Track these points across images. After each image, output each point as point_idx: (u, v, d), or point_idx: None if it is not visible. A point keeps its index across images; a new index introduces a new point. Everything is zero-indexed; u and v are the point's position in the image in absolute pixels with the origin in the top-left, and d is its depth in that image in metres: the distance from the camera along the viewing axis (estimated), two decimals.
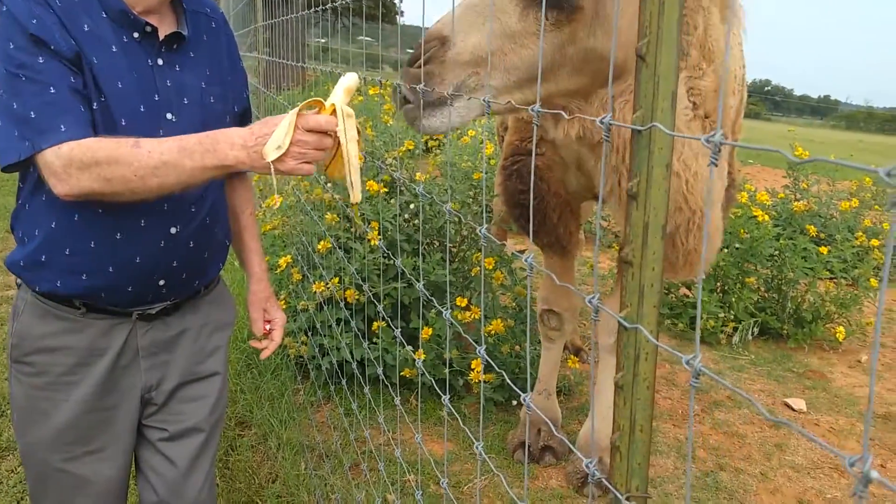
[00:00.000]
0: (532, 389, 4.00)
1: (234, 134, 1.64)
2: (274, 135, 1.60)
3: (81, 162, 1.60)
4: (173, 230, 1.88)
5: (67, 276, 1.82)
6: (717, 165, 0.73)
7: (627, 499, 1.03)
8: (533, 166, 1.38)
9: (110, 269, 1.83)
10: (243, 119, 2.11)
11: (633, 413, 1.03)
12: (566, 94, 2.34)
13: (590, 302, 1.04)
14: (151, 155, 1.60)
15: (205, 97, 1.90)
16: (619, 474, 1.05)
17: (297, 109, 1.62)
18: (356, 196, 1.70)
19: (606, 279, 6.46)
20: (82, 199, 1.66)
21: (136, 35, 1.77)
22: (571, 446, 1.27)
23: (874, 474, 0.63)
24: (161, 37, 1.81)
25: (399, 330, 2.35)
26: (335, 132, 1.63)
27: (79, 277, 1.82)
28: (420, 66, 2.13)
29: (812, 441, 0.68)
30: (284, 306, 4.30)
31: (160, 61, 1.81)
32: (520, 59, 2.18)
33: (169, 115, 1.81)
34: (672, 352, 0.90)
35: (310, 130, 1.63)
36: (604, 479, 1.06)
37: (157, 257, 1.88)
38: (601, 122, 0.96)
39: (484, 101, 1.50)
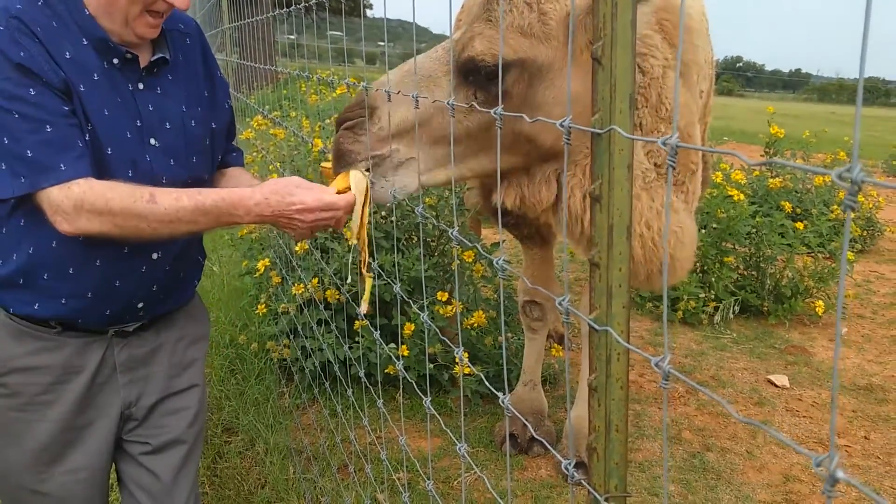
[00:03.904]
0: (509, 387, 4.01)
1: (251, 202, 1.72)
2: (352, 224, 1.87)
3: (94, 207, 1.61)
4: (155, 255, 1.89)
5: (45, 299, 1.81)
6: (674, 167, 0.73)
7: (606, 499, 1.03)
8: (498, 173, 1.37)
9: (89, 294, 1.82)
10: (230, 130, 2.12)
11: (609, 414, 1.03)
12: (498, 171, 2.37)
13: (560, 304, 1.04)
14: (167, 212, 1.65)
15: (186, 121, 1.90)
16: (598, 475, 1.05)
17: (363, 205, 1.88)
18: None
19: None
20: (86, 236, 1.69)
21: (115, 61, 1.76)
22: (551, 448, 1.27)
23: (840, 474, 0.64)
24: (143, 63, 1.81)
25: (379, 331, 2.35)
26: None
27: (58, 301, 1.81)
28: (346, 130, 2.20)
29: (782, 441, 0.68)
30: (265, 310, 4.28)
31: (141, 86, 1.81)
32: (439, 133, 2.19)
33: (152, 141, 1.82)
34: (642, 354, 0.90)
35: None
36: (583, 481, 1.06)
37: (138, 282, 1.89)
38: (561, 126, 0.96)
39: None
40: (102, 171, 1.71)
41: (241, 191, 1.74)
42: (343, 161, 2.14)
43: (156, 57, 1.84)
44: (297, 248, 4.08)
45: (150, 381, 2.03)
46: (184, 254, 2.00)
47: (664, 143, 0.78)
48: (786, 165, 0.61)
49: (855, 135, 0.56)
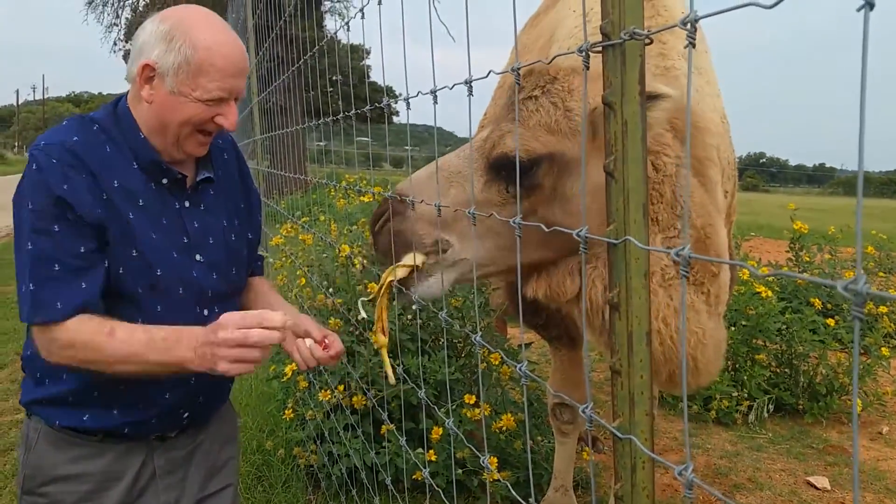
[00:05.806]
0: (540, 492, 3.92)
1: (199, 333, 1.66)
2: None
3: (61, 342, 1.68)
4: None
5: (96, 410, 1.85)
6: (687, 277, 0.75)
7: None
8: (518, 275, 1.40)
9: (140, 406, 1.87)
10: (259, 239, 2.19)
11: None
12: (532, 264, 2.39)
13: (583, 412, 1.04)
14: (121, 346, 1.66)
15: (227, 235, 1.99)
16: None
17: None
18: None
19: None
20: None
21: (164, 181, 1.85)
22: None
23: None
24: (189, 181, 1.91)
25: (405, 436, 2.33)
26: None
27: (110, 412, 1.85)
28: (384, 223, 2.23)
29: None
30: (292, 415, 4.26)
31: (187, 203, 1.90)
32: (481, 226, 2.25)
33: (198, 257, 1.89)
34: (665, 463, 0.90)
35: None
36: None
37: (186, 394, 1.93)
38: (577, 236, 0.99)
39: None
40: (154, 291, 1.79)
41: (192, 329, 1.70)
42: (399, 242, 2.19)
43: (202, 177, 1.94)
44: None
45: (188, 483, 2.04)
46: None
47: (677, 255, 0.80)
48: (791, 276, 0.63)
49: (857, 247, 0.58)
